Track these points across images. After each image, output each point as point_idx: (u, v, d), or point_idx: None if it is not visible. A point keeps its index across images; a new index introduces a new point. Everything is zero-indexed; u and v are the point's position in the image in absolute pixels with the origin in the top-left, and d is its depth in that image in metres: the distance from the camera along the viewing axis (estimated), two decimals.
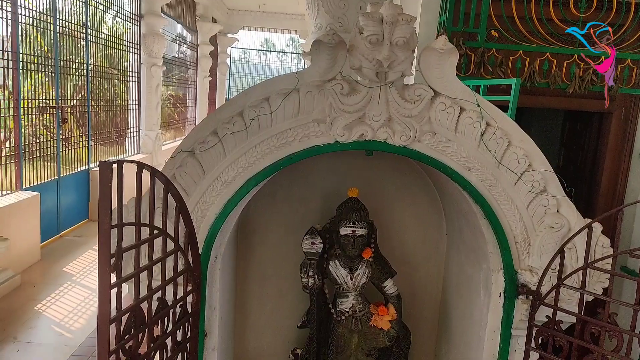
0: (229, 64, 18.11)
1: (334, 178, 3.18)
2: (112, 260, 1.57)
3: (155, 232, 1.88)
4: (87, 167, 8.23)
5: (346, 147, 2.37)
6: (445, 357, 3.19)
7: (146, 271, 1.86)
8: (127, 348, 1.76)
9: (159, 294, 1.97)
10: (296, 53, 21.74)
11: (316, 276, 2.78)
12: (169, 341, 2.06)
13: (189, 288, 2.21)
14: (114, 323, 1.65)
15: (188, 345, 2.27)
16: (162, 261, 1.96)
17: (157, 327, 1.97)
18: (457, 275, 3.04)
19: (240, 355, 3.39)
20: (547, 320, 2.32)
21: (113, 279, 1.63)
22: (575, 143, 5.07)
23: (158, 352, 1.98)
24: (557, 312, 2.28)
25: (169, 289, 2.04)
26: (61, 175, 7.37)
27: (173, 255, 2.06)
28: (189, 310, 2.25)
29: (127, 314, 1.75)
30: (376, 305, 2.89)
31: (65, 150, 7.55)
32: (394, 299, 2.88)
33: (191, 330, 2.29)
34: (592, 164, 4.69)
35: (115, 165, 1.51)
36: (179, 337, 2.18)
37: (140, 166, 1.74)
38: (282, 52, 24.77)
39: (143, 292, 1.86)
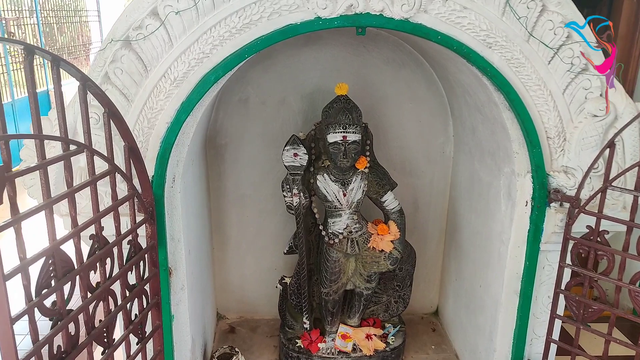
0: None
1: (317, 73, 2.61)
2: None
3: (73, 147, 1.35)
4: None
5: (330, 25, 1.79)
6: (455, 277, 2.82)
7: (67, 202, 1.35)
8: (50, 306, 1.29)
9: (92, 231, 1.47)
10: None
11: (302, 194, 2.31)
12: (117, 287, 1.60)
13: (139, 219, 1.73)
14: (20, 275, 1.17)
15: (147, 287, 1.83)
16: (90, 186, 1.44)
17: (95, 272, 1.50)
18: (469, 183, 2.59)
19: (221, 287, 3.01)
20: (587, 231, 1.89)
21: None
22: None
23: (102, 302, 1.53)
24: (601, 220, 1.85)
25: (108, 222, 1.55)
26: None
27: (109, 178, 1.54)
28: (143, 245, 1.78)
29: (45, 261, 1.27)
30: (375, 224, 2.45)
31: None
32: (395, 215, 2.43)
33: (149, 269, 1.84)
34: None
35: None
36: (132, 280, 1.72)
37: (29, 50, 1.17)
38: None
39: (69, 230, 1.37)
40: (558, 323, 2.06)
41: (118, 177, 1.57)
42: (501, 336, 2.20)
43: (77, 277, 1.38)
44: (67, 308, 1.36)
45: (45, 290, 1.28)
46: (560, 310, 2.05)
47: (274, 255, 2.91)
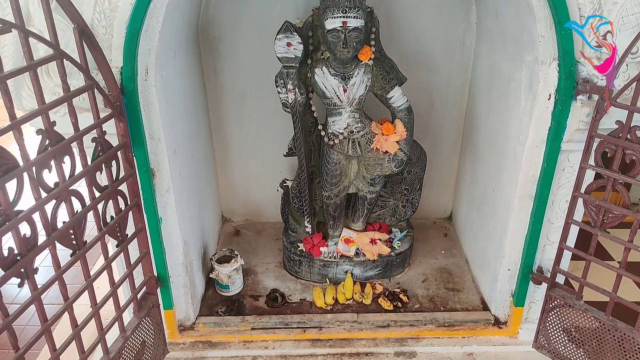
0: None
1: None
2: None
3: None
4: None
5: None
6: (470, 180, 2.62)
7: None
8: None
9: (36, 125, 1.33)
10: None
11: (297, 89, 2.09)
12: (82, 187, 1.49)
13: (103, 115, 1.57)
14: None
15: (125, 187, 1.73)
16: (30, 73, 1.27)
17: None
18: (489, 77, 2.29)
19: (226, 189, 2.92)
20: (616, 128, 1.63)
21: None
22: None
23: (64, 203, 1.43)
24: (634, 115, 1.57)
25: (62, 118, 1.41)
26: None
27: (56, 66, 1.37)
28: (114, 144, 1.65)
29: None
30: (380, 123, 2.23)
31: None
32: (402, 114, 2.19)
33: (125, 169, 1.72)
34: None
35: None
36: (103, 181, 1.61)
37: None
38: None
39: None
40: (574, 229, 1.87)
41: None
42: (511, 242, 2.04)
43: (25, 175, 1.26)
44: (17, 209, 1.26)
45: None
46: (579, 217, 1.85)
47: (278, 157, 2.74)
